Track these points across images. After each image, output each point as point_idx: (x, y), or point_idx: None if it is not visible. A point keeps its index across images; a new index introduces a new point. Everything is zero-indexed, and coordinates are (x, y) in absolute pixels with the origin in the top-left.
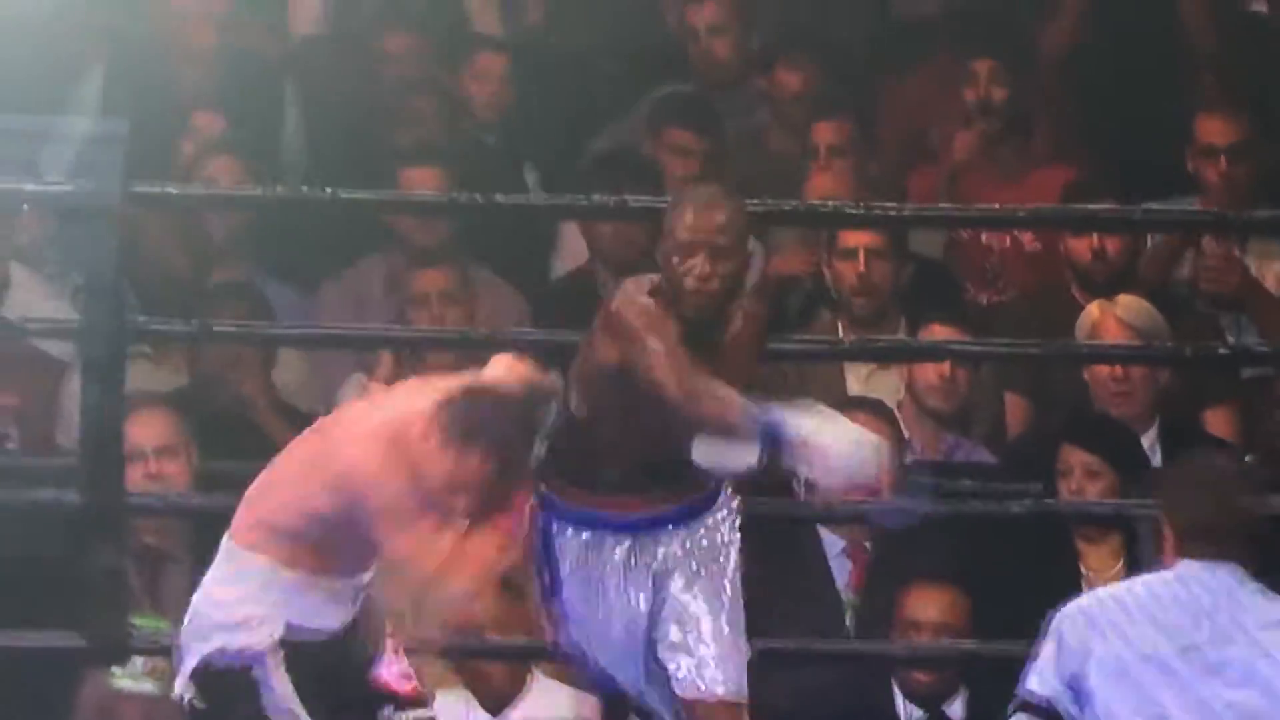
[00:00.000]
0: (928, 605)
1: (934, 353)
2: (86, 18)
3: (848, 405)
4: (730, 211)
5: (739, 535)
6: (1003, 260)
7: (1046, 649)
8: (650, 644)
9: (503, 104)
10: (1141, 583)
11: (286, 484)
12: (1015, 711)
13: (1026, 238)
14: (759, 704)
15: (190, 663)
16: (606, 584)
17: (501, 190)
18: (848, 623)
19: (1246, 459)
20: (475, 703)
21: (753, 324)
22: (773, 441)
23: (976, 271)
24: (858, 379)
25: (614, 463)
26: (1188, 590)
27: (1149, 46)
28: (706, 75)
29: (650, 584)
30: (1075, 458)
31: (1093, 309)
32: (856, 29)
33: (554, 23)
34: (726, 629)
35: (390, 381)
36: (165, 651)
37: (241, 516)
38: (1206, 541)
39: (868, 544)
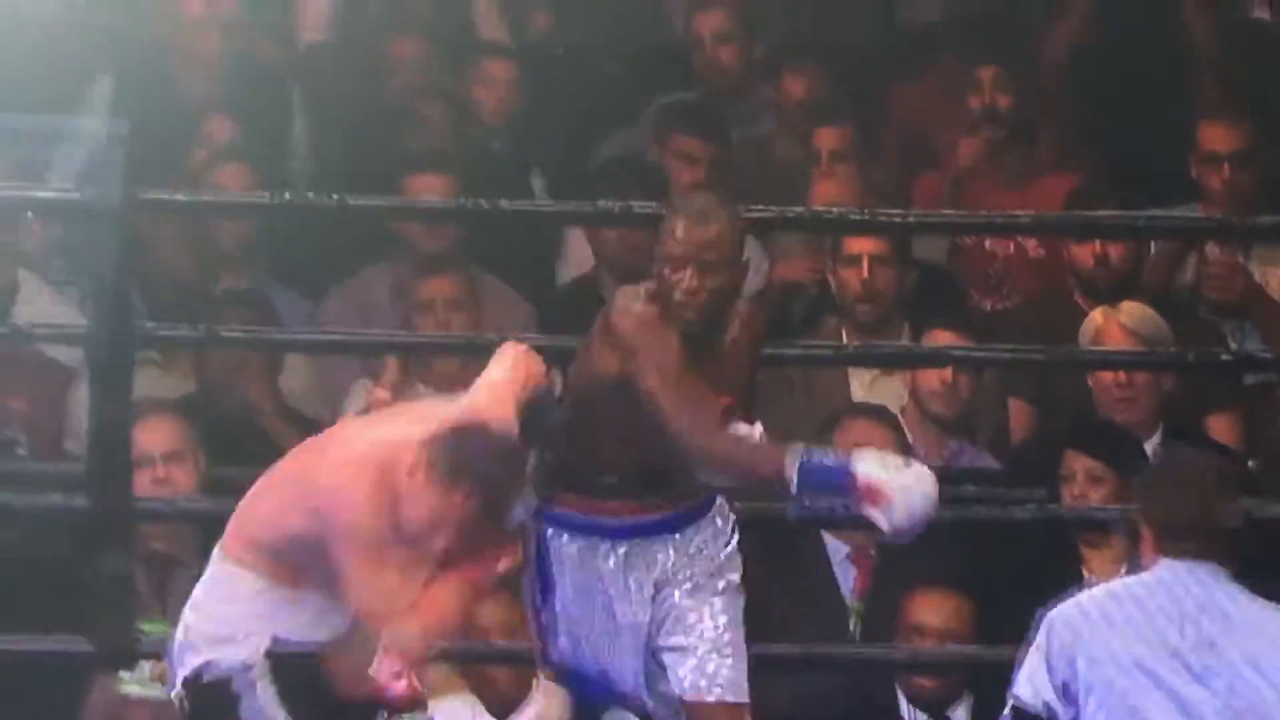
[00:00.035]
0: (932, 610)
1: (938, 358)
2: (89, 18)
3: (852, 411)
4: (721, 224)
5: (736, 539)
6: (1007, 266)
7: (1035, 656)
8: (651, 649)
9: (509, 110)
10: (1124, 585)
11: (270, 500)
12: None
13: (1031, 244)
14: (763, 709)
15: (182, 672)
16: (604, 589)
17: (508, 196)
18: (852, 628)
19: (1249, 464)
20: (481, 707)
21: (751, 329)
22: (825, 484)
23: (981, 278)
24: (861, 385)
25: (610, 468)
26: (1170, 593)
27: (1152, 53)
28: (712, 82)
29: (649, 589)
30: (1078, 463)
31: (1096, 315)
32: (861, 36)
33: (560, 29)
34: (727, 632)
35: (396, 387)
36: None
37: (231, 528)
38: (1186, 541)
39: (872, 550)
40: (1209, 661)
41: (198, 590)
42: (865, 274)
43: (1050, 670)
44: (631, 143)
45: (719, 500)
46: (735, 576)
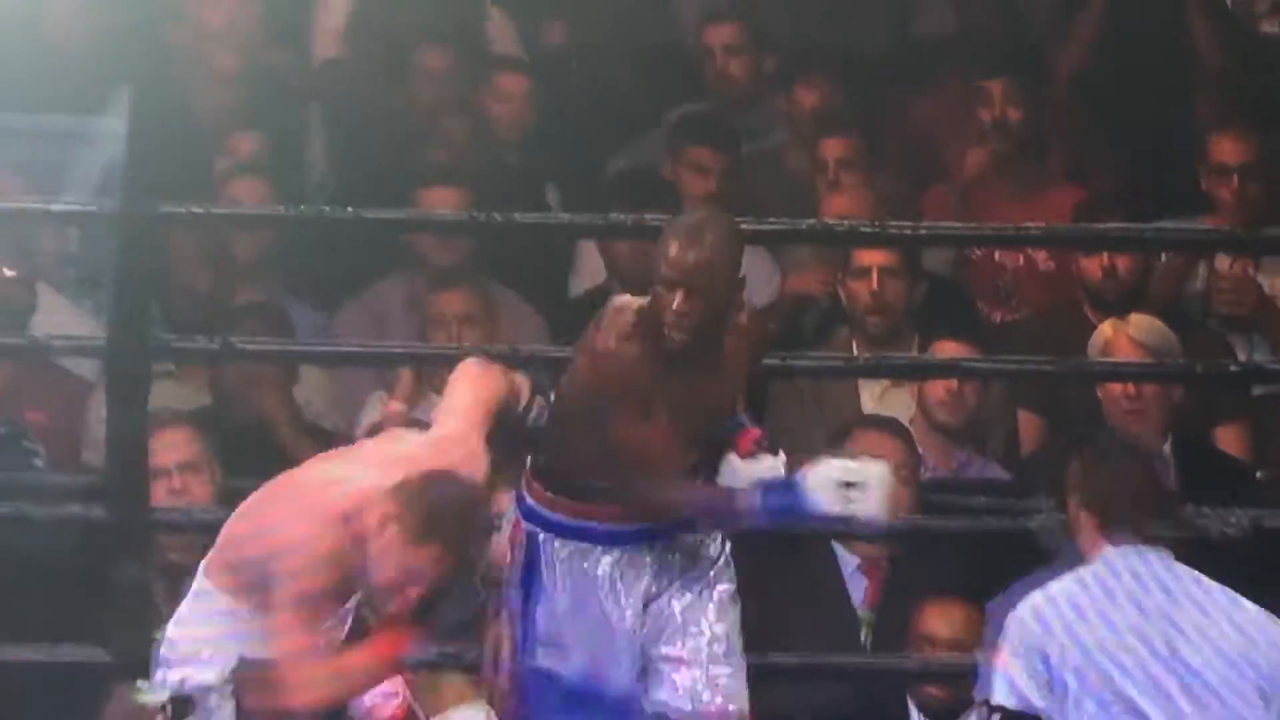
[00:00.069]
0: (942, 620)
1: (949, 370)
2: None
3: (862, 423)
4: (714, 244)
5: (727, 550)
6: (1016, 279)
7: (1007, 657)
8: (645, 657)
9: (523, 123)
10: (1081, 577)
11: (243, 523)
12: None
13: (1040, 256)
14: (776, 718)
15: (162, 685)
16: (596, 592)
17: (523, 209)
18: (864, 638)
19: (1257, 475)
20: (494, 718)
21: (751, 342)
22: (791, 515)
23: (990, 290)
24: (872, 397)
25: (594, 474)
26: (1123, 582)
27: (1161, 66)
28: (723, 94)
29: (639, 596)
30: None
31: (1105, 327)
32: (874, 47)
33: (573, 43)
34: (724, 642)
35: (411, 399)
36: None
37: (215, 546)
38: (1131, 527)
39: (884, 561)
40: (1172, 641)
41: (182, 605)
42: (875, 286)
43: (1027, 667)
44: (644, 155)
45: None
46: (730, 587)
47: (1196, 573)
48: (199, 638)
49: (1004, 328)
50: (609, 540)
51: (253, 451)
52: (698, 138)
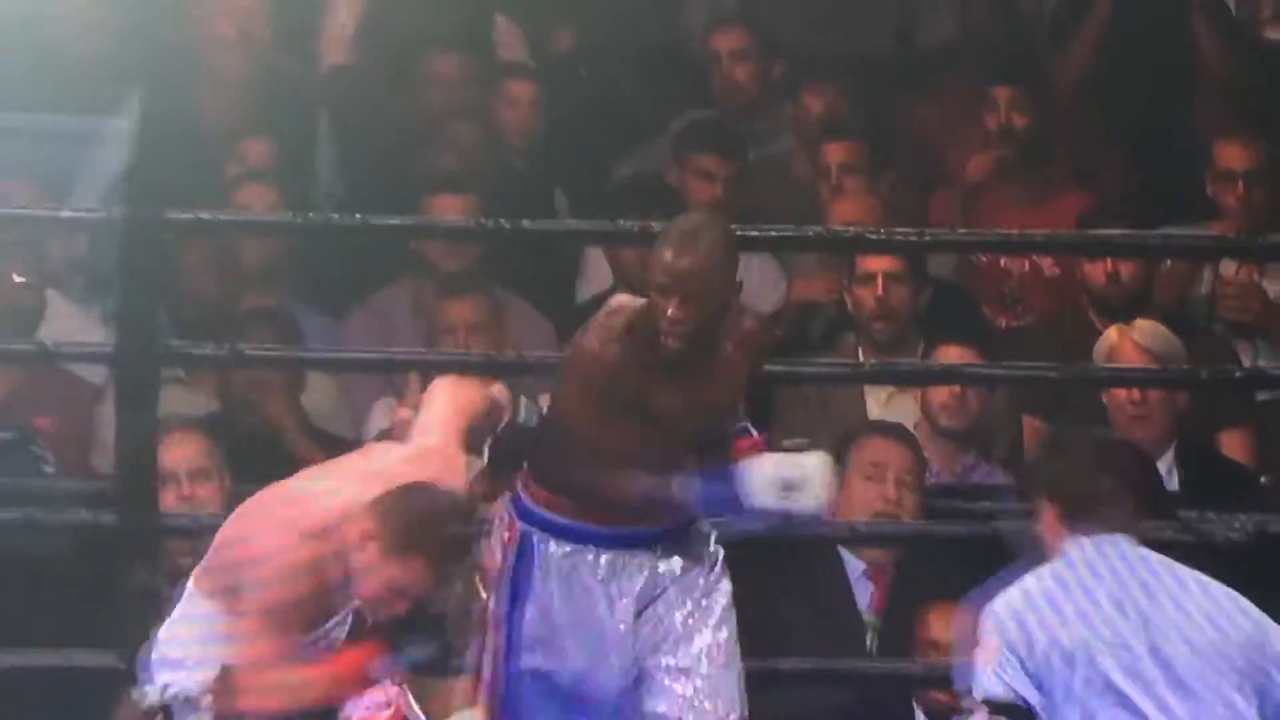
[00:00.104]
0: (948, 625)
1: (955, 376)
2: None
3: (868, 429)
4: (708, 250)
5: (722, 558)
6: (1022, 285)
7: (991, 651)
8: (644, 666)
9: (531, 130)
10: (1055, 570)
11: (228, 530)
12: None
13: (1046, 263)
14: None
15: (151, 689)
16: (590, 595)
17: (531, 215)
18: (869, 643)
19: (1261, 480)
20: None
21: (751, 349)
22: (729, 510)
23: (996, 295)
24: (878, 403)
25: (585, 475)
26: (1095, 573)
27: (1167, 73)
28: (729, 101)
29: (631, 601)
30: None
31: (1110, 333)
32: (879, 54)
33: (581, 49)
34: (723, 649)
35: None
36: None
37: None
38: (1097, 517)
39: (890, 567)
40: (1152, 630)
41: (175, 609)
42: (880, 292)
43: (1013, 659)
44: (650, 161)
45: (701, 524)
46: (727, 589)
47: (1163, 558)
48: (185, 641)
49: (1009, 333)
50: (606, 542)
51: (261, 457)
52: (704, 144)
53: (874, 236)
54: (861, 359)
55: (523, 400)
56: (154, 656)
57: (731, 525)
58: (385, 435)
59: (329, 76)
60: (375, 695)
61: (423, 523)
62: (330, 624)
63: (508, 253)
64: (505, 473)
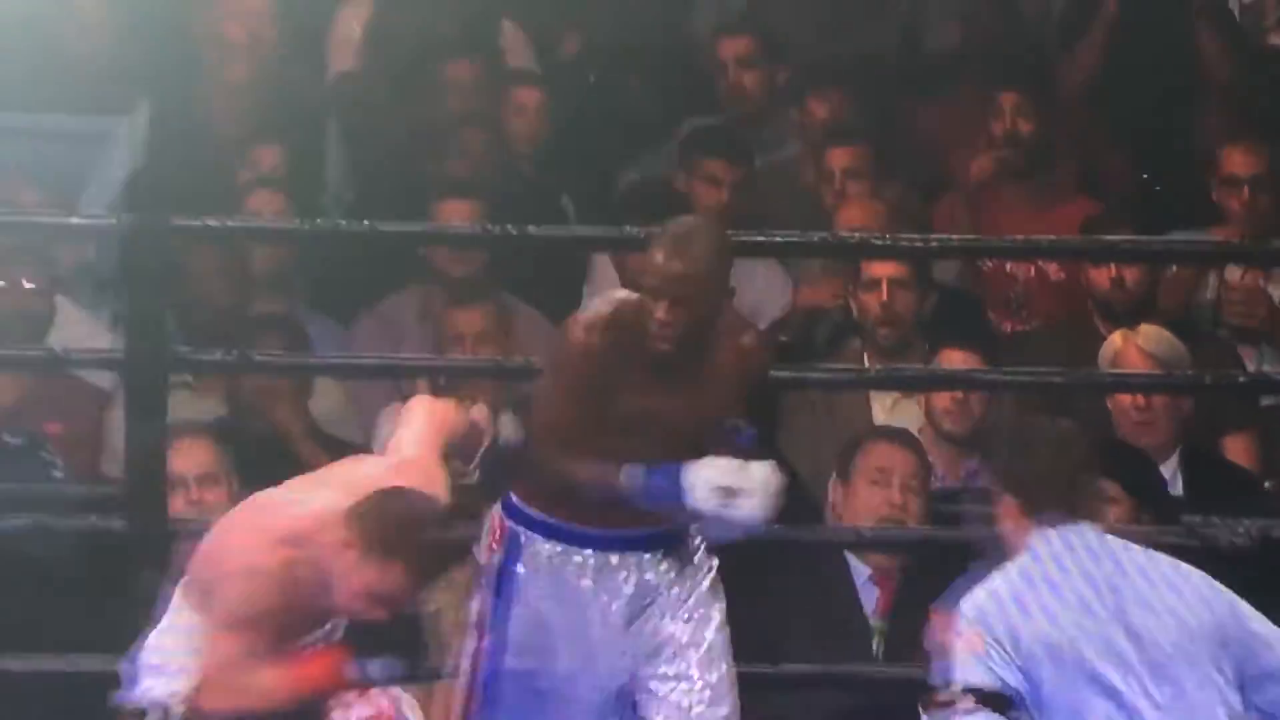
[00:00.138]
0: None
1: (960, 382)
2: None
3: (873, 434)
4: (700, 254)
5: (715, 566)
6: (1027, 290)
7: (970, 642)
8: (638, 676)
9: (539, 136)
10: (1023, 565)
11: (206, 540)
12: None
13: (1051, 268)
14: None
15: (139, 693)
16: (577, 597)
17: (539, 221)
18: (876, 647)
19: (1265, 485)
20: None
21: (747, 357)
22: (668, 504)
23: (1001, 300)
24: (883, 408)
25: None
26: (1062, 566)
27: (1171, 78)
28: (736, 107)
29: (621, 605)
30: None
31: (1115, 338)
32: (885, 60)
33: (588, 56)
34: (718, 653)
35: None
36: None
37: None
38: (1059, 507)
39: (896, 571)
40: (1128, 615)
41: (164, 618)
42: (885, 297)
43: (996, 649)
44: (657, 167)
45: (691, 532)
46: (720, 605)
47: (1131, 544)
48: (168, 650)
49: (1014, 338)
50: (593, 543)
51: (270, 463)
52: (711, 150)
53: (879, 242)
54: (867, 364)
55: (508, 417)
56: (139, 663)
57: (701, 533)
58: None
59: (337, 83)
60: (363, 708)
61: (400, 528)
62: (327, 628)
63: (515, 258)
64: (495, 494)
